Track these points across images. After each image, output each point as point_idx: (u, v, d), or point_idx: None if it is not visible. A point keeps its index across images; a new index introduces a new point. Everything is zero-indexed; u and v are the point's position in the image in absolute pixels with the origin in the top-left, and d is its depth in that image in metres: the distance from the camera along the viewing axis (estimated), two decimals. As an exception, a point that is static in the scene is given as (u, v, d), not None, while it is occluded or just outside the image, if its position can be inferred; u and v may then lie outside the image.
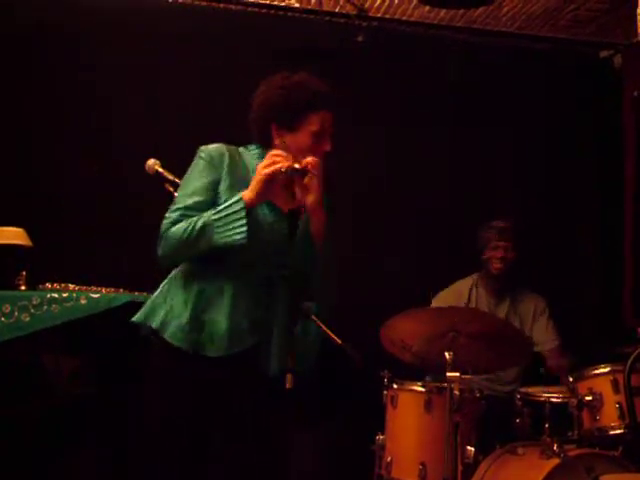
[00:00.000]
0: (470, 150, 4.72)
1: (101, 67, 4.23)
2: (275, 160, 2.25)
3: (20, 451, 3.52)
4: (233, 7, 4.46)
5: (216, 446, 2.34)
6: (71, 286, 3.61)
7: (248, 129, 2.49)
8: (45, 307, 3.42)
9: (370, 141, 4.59)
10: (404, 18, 4.63)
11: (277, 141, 2.38)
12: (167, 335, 2.30)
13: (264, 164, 2.26)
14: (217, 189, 2.34)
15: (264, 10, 4.51)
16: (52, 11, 4.17)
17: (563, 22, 4.66)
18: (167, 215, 2.33)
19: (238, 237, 2.21)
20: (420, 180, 4.64)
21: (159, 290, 2.43)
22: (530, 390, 3.34)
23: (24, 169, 4.08)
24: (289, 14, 4.51)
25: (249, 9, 4.49)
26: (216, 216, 2.24)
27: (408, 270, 4.46)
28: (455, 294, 4.05)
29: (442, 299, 4.02)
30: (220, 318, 2.29)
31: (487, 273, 4.04)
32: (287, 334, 2.32)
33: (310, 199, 2.31)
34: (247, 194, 2.25)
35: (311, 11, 4.49)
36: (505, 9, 4.51)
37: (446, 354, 2.91)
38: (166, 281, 2.44)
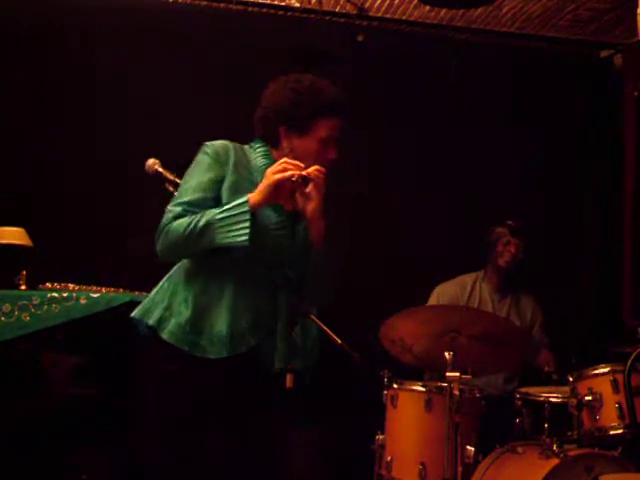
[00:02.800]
0: (470, 150, 4.72)
1: (101, 67, 4.24)
2: (286, 167, 2.24)
3: (20, 451, 3.52)
4: (233, 7, 4.46)
5: (213, 447, 2.33)
6: (71, 286, 3.61)
7: (253, 125, 2.47)
8: (45, 307, 3.43)
9: (369, 140, 4.60)
10: (404, 18, 4.64)
11: (285, 143, 2.38)
12: (164, 333, 2.28)
13: (275, 169, 2.25)
14: (221, 186, 2.32)
15: (264, 10, 4.52)
16: (52, 11, 4.18)
17: (563, 22, 4.66)
18: (169, 208, 2.31)
19: (240, 239, 2.20)
20: (420, 180, 4.65)
21: (158, 287, 2.41)
22: (530, 390, 3.34)
23: (24, 169, 4.08)
24: (289, 14, 4.52)
25: (249, 9, 4.50)
26: (220, 215, 2.22)
27: (408, 270, 4.46)
28: (459, 286, 4.07)
29: (445, 290, 4.04)
30: (221, 320, 2.27)
31: (494, 267, 4.07)
32: (288, 334, 2.33)
33: (311, 207, 2.32)
34: (254, 197, 2.24)
35: (311, 11, 4.50)
36: (505, 9, 4.51)
37: (446, 354, 2.91)
38: (166, 278, 2.42)
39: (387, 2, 4.45)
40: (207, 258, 2.32)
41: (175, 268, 2.42)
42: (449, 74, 4.68)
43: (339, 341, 2.99)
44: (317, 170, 2.28)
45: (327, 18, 4.56)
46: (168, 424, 2.30)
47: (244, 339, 2.29)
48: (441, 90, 4.71)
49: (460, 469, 2.85)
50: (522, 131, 4.81)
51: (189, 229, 2.22)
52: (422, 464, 3.07)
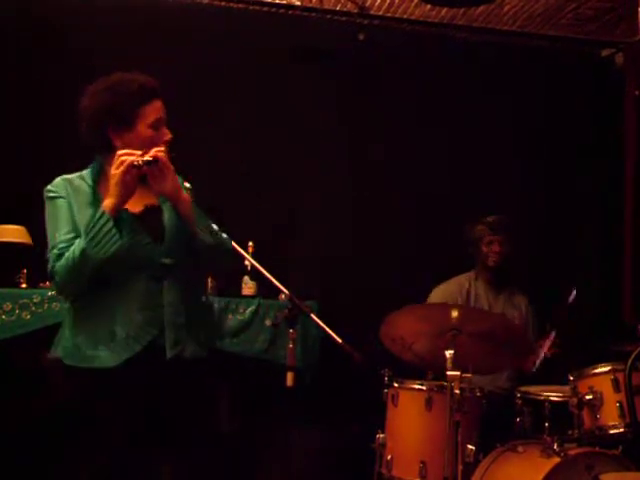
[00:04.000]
0: (470, 149, 4.72)
1: (101, 67, 4.20)
2: (124, 159, 2.28)
3: (20, 451, 3.52)
4: (234, 5, 4.46)
5: (142, 449, 2.37)
6: (71, 284, 3.60)
7: (84, 144, 2.47)
8: (46, 305, 3.43)
9: (370, 140, 4.60)
10: (405, 16, 4.64)
11: (117, 142, 2.39)
12: (67, 360, 2.36)
13: (115, 166, 2.29)
14: (74, 216, 2.38)
15: (265, 8, 4.52)
16: (52, 11, 4.18)
17: (564, 21, 4.67)
18: (48, 255, 2.36)
19: (116, 246, 2.26)
20: (420, 179, 4.65)
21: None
22: (530, 389, 3.34)
23: (24, 167, 4.08)
24: (290, 12, 4.52)
25: (250, 7, 4.50)
26: (88, 237, 2.27)
27: (408, 270, 4.46)
28: (456, 286, 4.05)
29: (442, 291, 4.03)
30: (114, 327, 2.32)
31: (484, 267, 4.05)
32: (180, 320, 2.37)
33: (167, 187, 2.34)
34: (107, 203, 2.29)
35: (312, 9, 4.50)
36: (506, 8, 4.52)
37: (446, 353, 2.91)
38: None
39: (388, 1, 4.45)
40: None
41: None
42: (450, 73, 4.68)
43: (339, 340, 2.98)
44: (157, 151, 2.32)
45: (328, 17, 4.56)
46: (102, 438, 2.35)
47: (139, 337, 2.33)
48: (442, 89, 4.71)
49: (460, 468, 2.84)
50: (522, 131, 4.81)
51: (70, 263, 2.28)
52: (422, 463, 3.07)
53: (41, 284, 3.63)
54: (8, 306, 3.40)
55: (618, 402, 2.99)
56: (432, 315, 3.10)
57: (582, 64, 5.02)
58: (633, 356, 2.90)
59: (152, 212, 2.43)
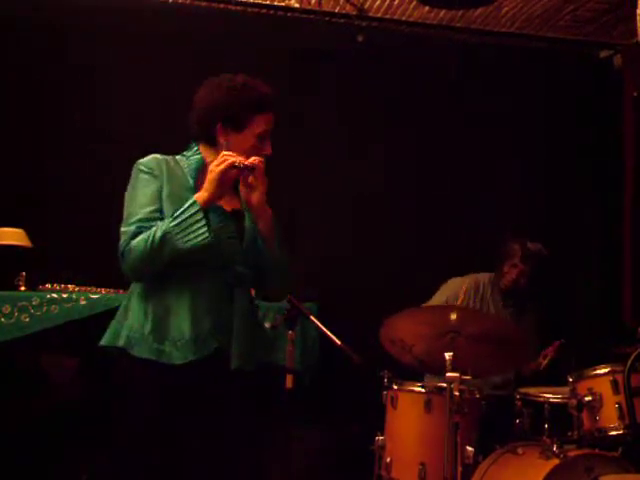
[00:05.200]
0: (470, 150, 4.72)
1: (102, 67, 4.23)
2: (227, 158, 2.28)
3: (20, 451, 3.53)
4: (232, 7, 4.46)
5: (193, 453, 2.33)
6: (70, 287, 3.62)
7: (190, 130, 2.48)
8: (45, 308, 3.43)
9: (369, 141, 4.60)
10: (404, 18, 4.64)
11: (222, 139, 2.39)
12: (134, 351, 2.29)
13: (217, 162, 2.29)
14: (162, 197, 2.35)
15: (264, 10, 4.52)
16: (52, 11, 4.18)
17: (563, 22, 4.66)
18: (123, 230, 2.31)
19: (201, 238, 2.23)
20: (420, 180, 4.65)
21: (121, 308, 2.42)
22: (530, 391, 3.34)
23: (24, 170, 4.08)
24: (289, 14, 4.51)
25: (249, 9, 4.49)
26: (175, 222, 2.24)
27: (408, 270, 4.46)
28: (473, 281, 4.03)
29: (457, 284, 3.99)
30: (183, 325, 2.29)
31: (498, 281, 4.04)
32: (247, 332, 2.36)
33: (255, 197, 2.35)
34: (201, 195, 2.27)
35: (311, 11, 4.49)
36: (505, 9, 4.51)
37: (446, 355, 2.91)
38: (124, 300, 2.43)
39: (387, 3, 4.45)
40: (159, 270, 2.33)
41: (131, 287, 2.42)
42: (449, 74, 4.68)
43: (339, 342, 2.98)
44: (258, 159, 2.33)
45: (327, 19, 4.55)
46: (146, 438, 2.29)
47: (207, 341, 2.30)
48: (441, 90, 4.71)
49: (460, 469, 2.84)
50: (522, 131, 4.81)
51: (149, 244, 2.24)
52: (422, 465, 3.07)
53: (40, 286, 3.63)
54: (7, 309, 3.40)
55: (617, 404, 3.00)
56: (431, 317, 3.10)
57: (580, 66, 5.01)
58: (632, 358, 2.90)
59: (236, 216, 2.42)
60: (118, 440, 2.35)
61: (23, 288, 3.65)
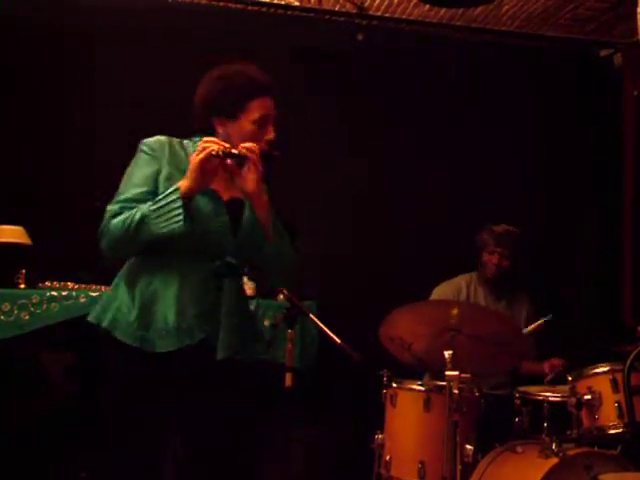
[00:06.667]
0: (470, 150, 4.72)
1: (101, 67, 4.24)
2: (206, 146, 2.24)
3: (20, 451, 3.52)
4: (232, 6, 4.46)
5: (178, 443, 2.33)
6: (70, 284, 3.62)
7: (191, 122, 2.47)
8: (45, 305, 3.43)
9: (369, 140, 4.60)
10: (404, 17, 4.64)
11: (220, 130, 2.38)
12: (117, 333, 2.27)
13: (197, 151, 2.25)
14: (158, 179, 2.32)
15: (264, 8, 4.52)
16: (52, 11, 4.18)
17: (563, 21, 4.66)
18: (108, 208, 2.30)
19: (175, 226, 2.20)
20: (420, 180, 4.65)
21: (112, 286, 2.40)
22: (529, 389, 3.34)
23: (24, 168, 4.08)
24: (289, 13, 4.52)
25: (249, 8, 4.49)
26: (153, 207, 2.22)
27: (408, 270, 4.46)
28: (455, 288, 4.06)
29: (441, 292, 4.03)
30: (168, 313, 2.26)
31: (483, 274, 4.05)
32: (234, 322, 2.33)
33: (250, 186, 2.31)
34: (183, 183, 2.24)
35: (311, 10, 4.50)
36: (505, 8, 4.51)
37: (445, 353, 2.91)
38: (116, 279, 2.41)
39: (387, 1, 4.45)
40: (150, 254, 2.31)
41: (123, 268, 2.41)
42: (449, 73, 4.68)
43: (338, 341, 2.98)
44: (247, 148, 2.28)
45: (327, 17, 4.56)
46: (129, 425, 2.28)
47: (192, 331, 2.27)
48: (441, 90, 4.71)
49: (459, 468, 2.85)
50: (522, 131, 4.81)
51: (126, 225, 2.23)
52: (421, 463, 3.07)
53: (40, 284, 3.63)
54: (7, 306, 3.40)
55: (617, 402, 3.00)
56: (431, 315, 3.10)
57: (581, 64, 5.01)
58: (632, 356, 2.90)
59: (234, 205, 2.38)
60: (103, 426, 2.35)
61: (23, 286, 3.65)
